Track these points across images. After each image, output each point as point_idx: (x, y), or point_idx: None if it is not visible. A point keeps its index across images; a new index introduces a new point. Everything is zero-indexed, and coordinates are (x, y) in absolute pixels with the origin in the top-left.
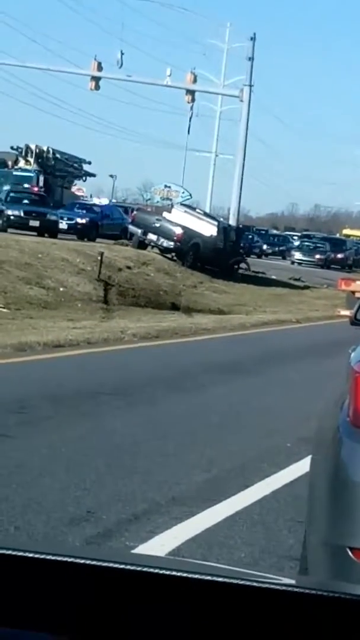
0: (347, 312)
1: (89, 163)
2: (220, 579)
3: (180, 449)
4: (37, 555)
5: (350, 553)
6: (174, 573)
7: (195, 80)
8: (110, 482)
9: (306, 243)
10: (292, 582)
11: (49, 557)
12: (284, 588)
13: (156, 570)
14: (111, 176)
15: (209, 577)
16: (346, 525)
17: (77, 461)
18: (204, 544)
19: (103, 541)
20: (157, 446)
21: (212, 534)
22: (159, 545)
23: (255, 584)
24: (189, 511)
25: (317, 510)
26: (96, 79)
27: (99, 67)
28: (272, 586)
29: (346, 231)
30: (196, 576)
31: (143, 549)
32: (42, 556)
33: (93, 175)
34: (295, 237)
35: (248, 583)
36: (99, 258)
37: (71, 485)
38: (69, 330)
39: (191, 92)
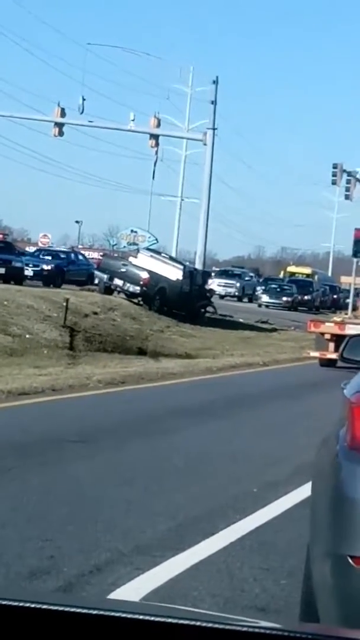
0: (316, 354)
1: None
2: (192, 623)
3: (145, 495)
4: (9, 603)
5: (350, 561)
6: (150, 618)
7: (159, 125)
8: (72, 532)
9: (272, 285)
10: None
11: (20, 604)
12: (267, 632)
13: (131, 616)
14: (77, 222)
15: (185, 622)
16: (346, 537)
17: (40, 511)
18: (166, 597)
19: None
20: (122, 493)
21: (175, 585)
22: (120, 599)
23: (234, 627)
24: (152, 561)
25: (319, 526)
26: (59, 125)
27: (62, 113)
28: (252, 629)
29: (290, 268)
30: (170, 620)
31: None
32: (15, 603)
33: None
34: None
35: (221, 627)
36: (64, 304)
37: (33, 536)
38: (35, 378)
39: (155, 137)
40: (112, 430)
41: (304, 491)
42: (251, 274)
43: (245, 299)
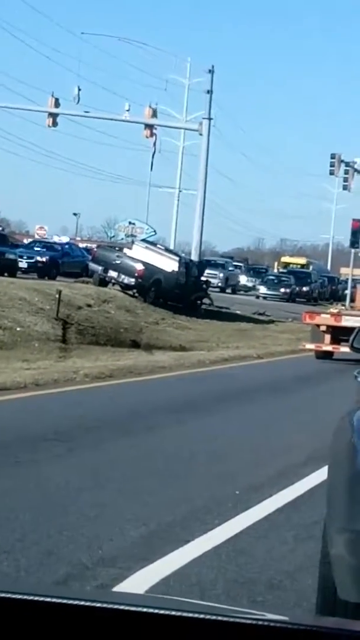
0: (312, 346)
1: None
2: (196, 616)
3: (118, 499)
4: (10, 596)
5: None
6: (158, 611)
7: (154, 115)
8: (33, 542)
9: (270, 277)
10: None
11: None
12: (276, 625)
13: (135, 609)
14: (75, 214)
15: (189, 615)
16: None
17: (2, 518)
18: None
19: None
20: (94, 496)
21: None
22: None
23: (240, 620)
24: (118, 574)
25: (336, 505)
26: (54, 116)
27: (57, 104)
28: (258, 622)
29: (285, 259)
30: (177, 614)
31: None
32: (16, 596)
33: None
34: None
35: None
36: (57, 296)
37: None
38: (20, 372)
39: (150, 127)
40: (91, 427)
41: (289, 494)
42: (235, 264)
43: (229, 290)
